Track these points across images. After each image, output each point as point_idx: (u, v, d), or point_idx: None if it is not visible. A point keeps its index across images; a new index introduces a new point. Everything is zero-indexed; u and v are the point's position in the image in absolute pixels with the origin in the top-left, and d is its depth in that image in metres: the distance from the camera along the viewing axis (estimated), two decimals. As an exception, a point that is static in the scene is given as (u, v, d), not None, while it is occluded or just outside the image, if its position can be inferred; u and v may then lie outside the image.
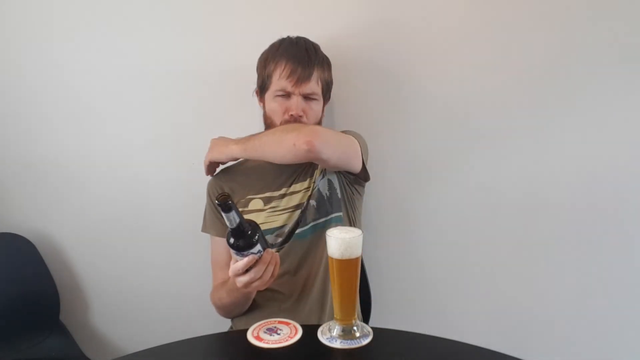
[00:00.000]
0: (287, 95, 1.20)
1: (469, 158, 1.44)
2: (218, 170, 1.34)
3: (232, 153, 1.21)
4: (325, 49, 1.27)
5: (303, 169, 1.27)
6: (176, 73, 1.46)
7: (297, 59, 1.18)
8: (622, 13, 1.32)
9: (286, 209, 1.24)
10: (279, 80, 1.19)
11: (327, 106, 1.31)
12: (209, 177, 1.34)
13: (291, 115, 1.19)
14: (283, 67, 1.18)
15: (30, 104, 1.52)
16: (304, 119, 1.20)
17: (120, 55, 1.47)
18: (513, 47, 1.37)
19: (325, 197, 1.22)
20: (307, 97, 1.20)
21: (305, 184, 1.25)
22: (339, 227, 0.98)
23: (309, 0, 1.40)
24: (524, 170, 1.43)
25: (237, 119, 1.42)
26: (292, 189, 1.25)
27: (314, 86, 1.20)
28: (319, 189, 1.22)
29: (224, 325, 1.28)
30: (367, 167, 1.25)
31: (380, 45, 1.41)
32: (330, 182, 1.24)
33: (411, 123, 1.45)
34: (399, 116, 1.45)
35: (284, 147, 1.10)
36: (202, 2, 1.42)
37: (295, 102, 1.19)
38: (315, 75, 1.19)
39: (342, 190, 1.25)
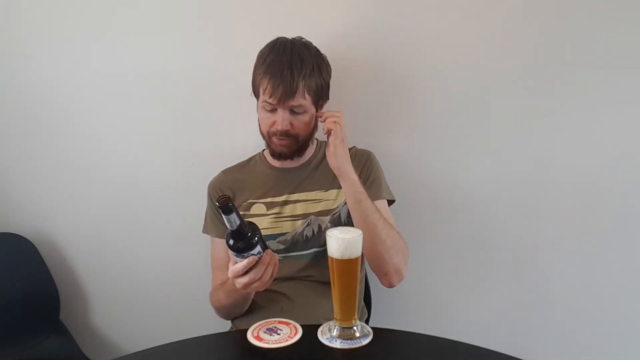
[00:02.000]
0: (273, 109, 1.19)
1: (469, 157, 1.44)
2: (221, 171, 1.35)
3: None
4: (323, 48, 1.25)
5: (305, 177, 1.28)
6: (176, 73, 1.46)
7: (279, 76, 1.14)
8: (624, 9, 1.32)
9: (291, 216, 1.24)
10: (264, 95, 1.18)
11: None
12: (210, 178, 1.34)
13: (277, 129, 1.20)
14: (266, 84, 1.16)
15: (30, 104, 1.52)
16: (292, 132, 1.20)
17: (121, 56, 1.47)
18: (512, 45, 1.37)
19: (343, 223, 1.23)
20: (293, 110, 1.19)
21: (312, 195, 1.26)
22: (339, 228, 0.98)
23: (308, 1, 1.40)
24: (524, 169, 1.43)
25: (238, 118, 1.42)
26: (295, 197, 1.26)
27: (300, 100, 1.16)
28: (339, 215, 1.24)
29: (224, 325, 1.28)
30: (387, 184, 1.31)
31: (378, 44, 1.40)
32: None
33: (409, 122, 1.45)
34: (397, 115, 1.45)
35: (395, 259, 1.15)
36: (202, 2, 1.42)
37: (281, 117, 1.18)
38: (302, 89, 1.15)
39: None
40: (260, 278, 0.98)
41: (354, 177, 1.16)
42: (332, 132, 1.15)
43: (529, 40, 1.36)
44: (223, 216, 0.88)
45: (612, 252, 1.43)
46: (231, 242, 0.93)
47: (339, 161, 1.15)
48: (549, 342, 1.51)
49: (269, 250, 0.99)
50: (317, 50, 1.23)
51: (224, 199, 0.86)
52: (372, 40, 1.40)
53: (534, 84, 1.38)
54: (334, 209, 1.24)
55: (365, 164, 1.29)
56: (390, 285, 1.18)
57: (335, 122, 1.15)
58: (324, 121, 1.18)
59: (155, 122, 1.51)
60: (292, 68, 1.14)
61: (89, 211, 1.57)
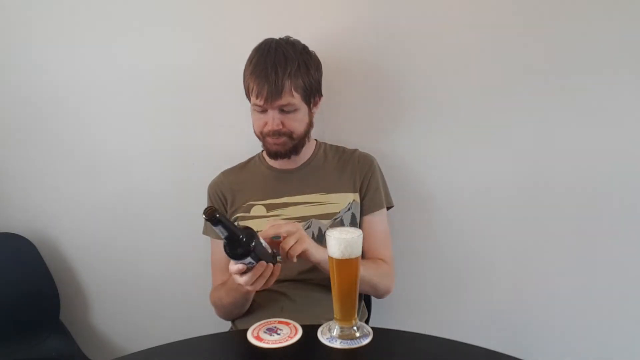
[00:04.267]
0: (263, 109, 1.19)
1: (468, 157, 1.44)
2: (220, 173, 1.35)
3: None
4: (317, 49, 1.25)
5: (304, 179, 1.28)
6: (176, 74, 1.46)
7: (263, 77, 1.14)
8: (624, 8, 1.32)
9: (292, 219, 1.24)
10: (252, 97, 1.18)
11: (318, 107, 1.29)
12: (209, 179, 1.34)
13: (269, 130, 1.20)
14: (252, 86, 1.16)
15: (30, 105, 1.52)
16: (284, 130, 1.20)
17: (121, 57, 1.47)
18: (512, 46, 1.37)
19: None
20: (283, 109, 1.19)
21: (313, 197, 1.26)
22: (338, 228, 0.98)
23: (304, 0, 1.40)
24: (524, 168, 1.43)
25: (237, 119, 1.42)
26: (295, 199, 1.26)
27: (288, 99, 1.16)
28: (341, 220, 1.24)
29: (224, 325, 1.29)
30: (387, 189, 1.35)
31: (374, 44, 1.40)
32: (353, 216, 1.26)
33: (407, 123, 1.45)
34: (395, 116, 1.45)
35: (382, 288, 1.24)
36: (199, 3, 1.42)
37: (272, 117, 1.18)
38: (288, 87, 1.15)
39: (360, 223, 1.28)
40: (252, 284, 0.98)
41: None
42: (299, 253, 1.04)
43: (528, 41, 1.36)
44: (213, 227, 0.87)
45: (612, 253, 1.43)
46: (226, 248, 0.93)
47: (319, 257, 1.08)
48: (549, 342, 1.51)
49: (263, 262, 0.96)
50: (304, 48, 1.23)
51: (210, 211, 0.84)
52: (370, 40, 1.40)
53: (533, 85, 1.38)
54: (335, 214, 1.24)
55: (367, 173, 1.29)
56: (382, 298, 1.28)
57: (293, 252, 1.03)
58: (290, 256, 1.03)
59: (155, 123, 1.51)
60: (276, 67, 1.14)
61: (89, 211, 1.57)
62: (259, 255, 0.95)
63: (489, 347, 0.92)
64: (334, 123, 1.45)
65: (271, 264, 0.99)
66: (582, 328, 1.49)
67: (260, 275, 0.98)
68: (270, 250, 1.01)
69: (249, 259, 0.94)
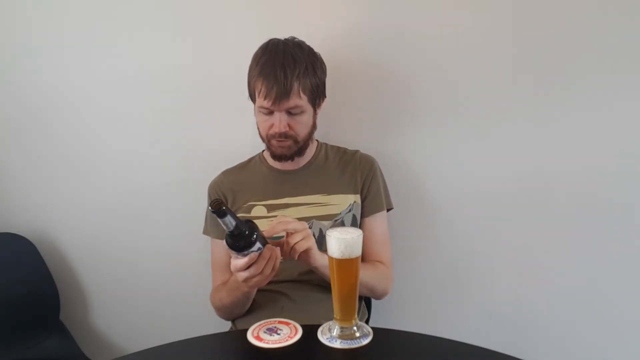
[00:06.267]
0: (270, 111, 1.18)
1: (468, 158, 1.44)
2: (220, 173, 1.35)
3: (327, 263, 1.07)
4: (318, 49, 1.24)
5: (306, 180, 1.28)
6: (176, 75, 1.47)
7: (272, 78, 1.13)
8: (623, 8, 1.32)
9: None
10: (259, 98, 1.17)
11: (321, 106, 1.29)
12: (210, 179, 1.34)
13: (275, 132, 1.19)
14: (260, 87, 1.15)
15: (30, 105, 1.52)
16: (290, 133, 1.19)
17: (121, 57, 1.47)
18: (511, 45, 1.37)
19: None
20: (290, 112, 1.18)
21: (314, 198, 1.26)
22: (339, 228, 0.98)
23: (305, 0, 1.40)
24: (524, 169, 1.43)
25: (238, 119, 1.43)
26: (296, 200, 1.26)
27: (295, 101, 1.15)
28: (342, 222, 1.24)
29: (224, 325, 1.29)
30: (387, 194, 1.35)
31: (375, 45, 1.40)
32: (354, 217, 1.26)
33: (407, 123, 1.45)
34: (395, 116, 1.45)
35: (379, 290, 1.25)
36: (200, 3, 1.42)
37: (278, 119, 1.18)
38: (296, 89, 1.14)
39: (360, 224, 1.28)
40: (261, 272, 0.98)
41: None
42: (302, 251, 1.03)
43: (528, 42, 1.36)
44: (219, 220, 0.87)
45: (612, 253, 1.43)
46: (230, 242, 0.93)
47: (320, 261, 1.08)
48: (549, 342, 1.51)
49: (269, 245, 0.98)
50: (310, 49, 1.22)
51: (217, 204, 0.85)
52: (371, 41, 1.40)
53: (534, 86, 1.38)
54: (336, 215, 1.24)
55: (367, 175, 1.29)
56: (380, 299, 1.30)
57: (297, 247, 1.03)
58: (293, 253, 1.02)
59: (155, 123, 1.51)
60: (285, 69, 1.13)
61: (89, 211, 1.57)
62: (263, 242, 0.97)
63: (489, 347, 0.92)
64: (336, 124, 1.45)
65: (275, 248, 1.00)
66: (581, 328, 1.49)
67: (269, 259, 0.97)
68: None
69: (257, 245, 0.94)
